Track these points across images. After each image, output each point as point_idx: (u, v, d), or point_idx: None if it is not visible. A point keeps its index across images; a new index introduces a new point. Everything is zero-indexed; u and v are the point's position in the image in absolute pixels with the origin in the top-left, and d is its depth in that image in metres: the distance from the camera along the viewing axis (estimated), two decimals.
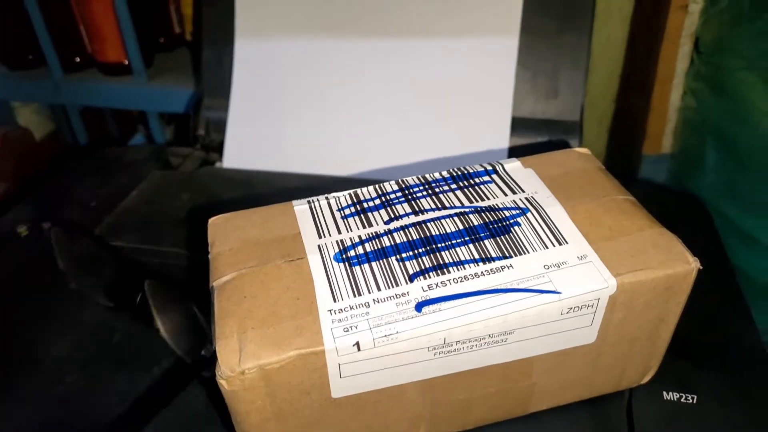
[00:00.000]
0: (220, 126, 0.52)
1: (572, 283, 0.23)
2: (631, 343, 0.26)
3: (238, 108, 0.51)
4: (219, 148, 0.52)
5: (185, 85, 0.64)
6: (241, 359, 0.21)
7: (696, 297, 0.33)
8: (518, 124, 0.47)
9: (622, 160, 0.63)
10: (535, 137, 0.48)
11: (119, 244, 0.40)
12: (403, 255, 0.25)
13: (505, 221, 0.26)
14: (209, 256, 0.26)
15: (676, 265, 0.24)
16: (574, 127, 0.48)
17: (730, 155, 0.45)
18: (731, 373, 0.30)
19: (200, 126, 0.54)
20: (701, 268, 0.24)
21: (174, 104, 0.65)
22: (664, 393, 0.29)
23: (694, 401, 0.29)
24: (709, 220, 0.41)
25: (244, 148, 0.51)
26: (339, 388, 0.23)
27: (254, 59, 0.51)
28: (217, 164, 0.51)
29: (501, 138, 0.47)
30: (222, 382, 0.22)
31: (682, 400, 0.29)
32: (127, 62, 0.66)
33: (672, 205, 0.43)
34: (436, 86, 0.48)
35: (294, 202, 0.28)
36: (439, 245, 0.25)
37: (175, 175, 0.49)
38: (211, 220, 0.28)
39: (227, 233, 0.27)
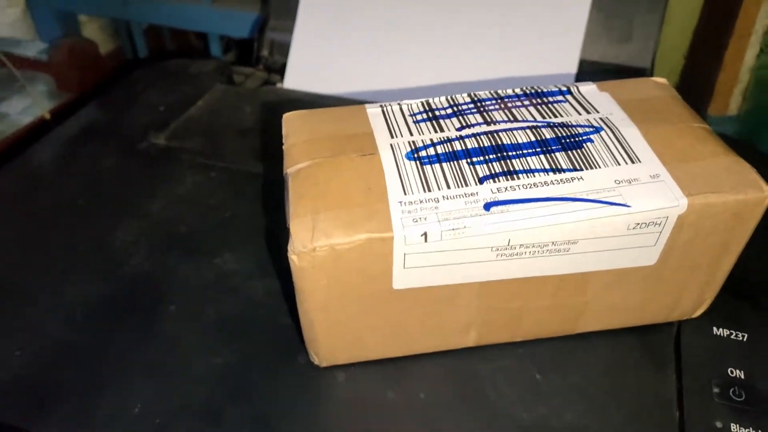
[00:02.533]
0: (284, 48, 0.52)
1: (643, 198, 0.23)
2: (691, 269, 0.26)
3: (302, 30, 0.52)
4: (281, 70, 0.52)
5: (251, 9, 0.64)
6: (314, 237, 0.22)
7: (755, 239, 0.33)
8: (586, 67, 0.46)
9: None
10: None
11: (186, 147, 0.42)
12: (474, 159, 0.25)
13: (578, 137, 0.26)
14: (283, 147, 0.27)
15: (748, 191, 0.24)
16: (644, 74, 0.47)
17: None
18: None
19: (264, 47, 0.54)
20: None
21: (237, 28, 0.65)
22: (714, 328, 0.29)
23: (744, 339, 0.29)
24: None
25: (306, 71, 0.51)
26: (401, 279, 0.24)
27: None
28: (278, 85, 0.52)
29: (566, 78, 0.46)
30: (293, 258, 0.23)
31: (732, 336, 0.29)
32: None
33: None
34: (506, 18, 0.48)
35: (367, 105, 0.29)
36: (510, 153, 0.25)
37: (238, 90, 0.50)
38: (285, 115, 0.29)
39: (301, 127, 0.28)
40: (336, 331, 0.26)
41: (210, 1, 0.66)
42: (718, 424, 0.26)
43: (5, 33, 0.75)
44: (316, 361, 0.28)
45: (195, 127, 0.44)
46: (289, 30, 0.52)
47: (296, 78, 0.51)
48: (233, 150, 0.41)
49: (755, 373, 0.27)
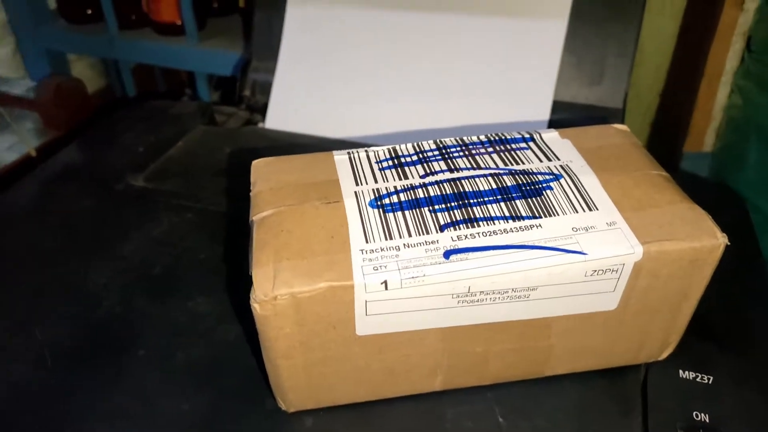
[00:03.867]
0: (266, 88, 0.53)
1: (599, 245, 0.24)
2: (652, 314, 0.27)
3: (284, 71, 0.53)
4: (263, 110, 0.53)
5: (235, 50, 0.66)
6: (275, 285, 0.23)
7: (723, 283, 0.33)
8: (559, 108, 0.48)
9: (663, 155, 0.62)
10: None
11: (163, 189, 0.42)
12: (436, 207, 0.25)
13: (538, 184, 0.26)
14: (251, 194, 0.28)
15: (703, 238, 0.24)
16: (617, 114, 0.48)
17: None
18: (750, 358, 0.30)
19: (246, 87, 0.55)
20: (729, 244, 0.24)
21: (222, 67, 0.67)
22: (681, 371, 0.29)
23: (710, 381, 0.29)
24: (744, 213, 0.40)
25: (288, 111, 0.52)
26: (363, 326, 0.24)
27: (304, 25, 0.53)
28: (260, 124, 0.53)
29: (540, 121, 0.47)
30: (255, 306, 0.23)
31: (698, 379, 0.29)
32: (180, 23, 0.68)
33: (709, 195, 0.42)
34: (481, 62, 0.49)
35: (334, 152, 0.29)
36: (471, 201, 0.26)
37: (219, 130, 0.51)
38: (254, 162, 0.29)
39: (269, 175, 0.28)
40: (301, 377, 0.26)
41: (196, 40, 0.67)
42: None
43: None
44: (284, 407, 0.28)
45: (173, 168, 0.44)
46: (271, 70, 0.53)
47: (277, 118, 0.52)
48: (210, 191, 0.42)
49: (720, 417, 0.28)
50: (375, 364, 0.26)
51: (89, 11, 0.72)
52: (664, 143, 0.62)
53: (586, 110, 0.48)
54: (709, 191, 0.44)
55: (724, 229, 0.25)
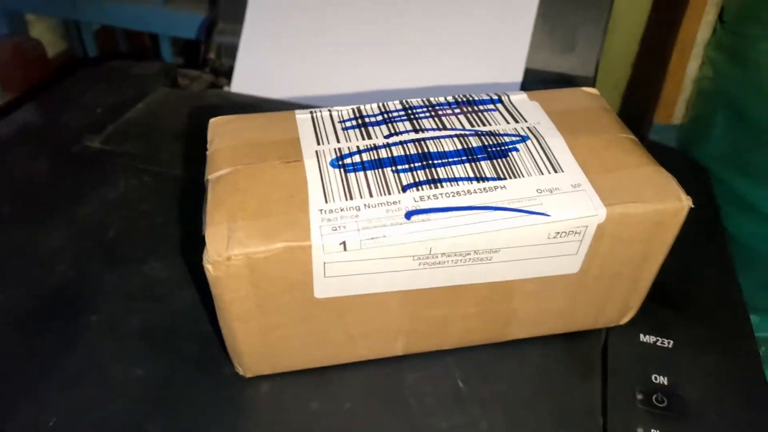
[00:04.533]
0: (231, 51, 0.51)
1: (563, 207, 0.23)
2: (613, 278, 0.26)
3: (251, 34, 0.51)
4: (228, 73, 0.51)
5: (200, 12, 0.63)
6: (229, 246, 0.22)
7: (684, 251, 0.34)
8: (530, 75, 0.47)
9: (633, 126, 0.62)
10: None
11: (121, 151, 0.40)
12: (399, 167, 0.25)
13: (504, 146, 0.26)
14: (207, 152, 0.26)
15: (668, 200, 0.24)
16: (588, 82, 0.47)
17: (740, 125, 0.45)
18: (709, 324, 0.31)
19: (211, 49, 0.53)
20: (693, 206, 0.24)
21: (188, 29, 0.64)
22: (641, 335, 0.30)
23: (670, 345, 0.29)
24: (707, 183, 0.41)
25: (254, 74, 0.50)
26: (322, 288, 0.24)
27: None
28: (225, 88, 0.51)
29: (511, 87, 0.46)
30: (208, 267, 0.22)
31: (658, 343, 0.29)
32: None
33: (673, 165, 0.43)
34: (454, 27, 0.48)
35: (296, 111, 0.28)
36: (435, 161, 0.25)
37: (182, 93, 0.49)
38: (212, 120, 0.28)
39: (227, 133, 0.27)
40: (258, 341, 0.25)
41: (161, 2, 0.65)
42: (639, 430, 0.26)
43: None
44: (241, 372, 0.27)
45: (132, 131, 0.43)
46: (237, 33, 0.51)
47: (244, 81, 0.51)
48: (170, 154, 0.40)
49: (678, 380, 0.28)
50: (334, 328, 0.25)
51: None
52: (635, 114, 0.62)
53: (558, 78, 0.47)
54: (673, 161, 0.44)
55: (693, 205, 0.25)
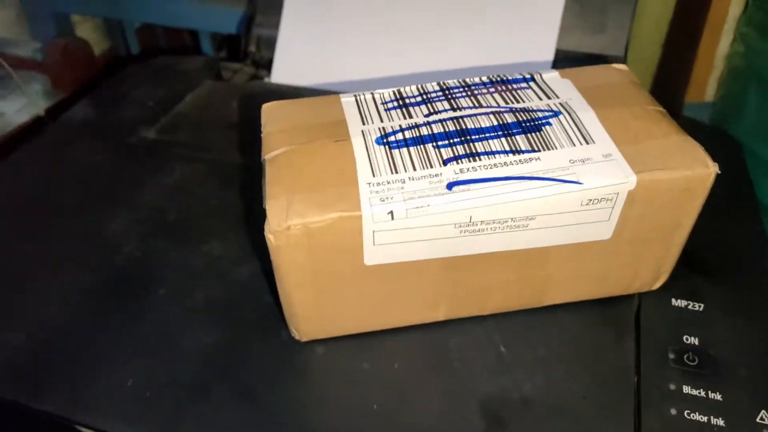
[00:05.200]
0: (271, 43, 0.54)
1: (594, 175, 0.25)
2: (645, 243, 0.28)
3: (289, 25, 0.53)
4: (268, 65, 0.54)
5: (238, 7, 0.66)
6: (288, 216, 0.24)
7: (716, 220, 0.35)
8: (561, 57, 0.48)
9: (665, 105, 0.63)
10: None
11: (174, 141, 0.43)
12: (439, 143, 0.27)
13: (538, 121, 0.28)
14: (261, 135, 0.29)
15: (695, 167, 0.25)
16: (618, 62, 0.48)
17: None
18: (740, 288, 0.32)
19: (251, 42, 0.56)
20: (720, 173, 0.26)
21: (226, 24, 0.67)
22: (673, 300, 0.31)
23: (701, 309, 0.31)
24: (741, 157, 0.41)
25: (293, 65, 0.53)
26: (371, 255, 0.26)
27: None
28: (266, 79, 0.53)
29: (543, 66, 0.48)
30: (270, 237, 0.24)
31: (689, 307, 0.31)
32: None
33: (706, 139, 0.44)
34: (486, 11, 0.49)
35: (341, 95, 0.30)
36: (473, 137, 0.27)
37: (226, 85, 0.51)
38: (264, 106, 0.30)
39: (279, 117, 0.29)
40: (313, 306, 0.27)
41: None
42: (672, 387, 0.27)
43: (0, 34, 0.76)
44: (297, 337, 0.29)
45: (183, 122, 0.45)
46: (275, 25, 0.54)
47: (283, 72, 0.53)
48: (220, 142, 0.43)
49: (708, 340, 0.29)
50: (382, 293, 0.28)
51: None
52: (666, 94, 0.63)
53: (588, 59, 0.48)
54: (707, 135, 0.45)
55: (719, 171, 0.26)
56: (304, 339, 0.29)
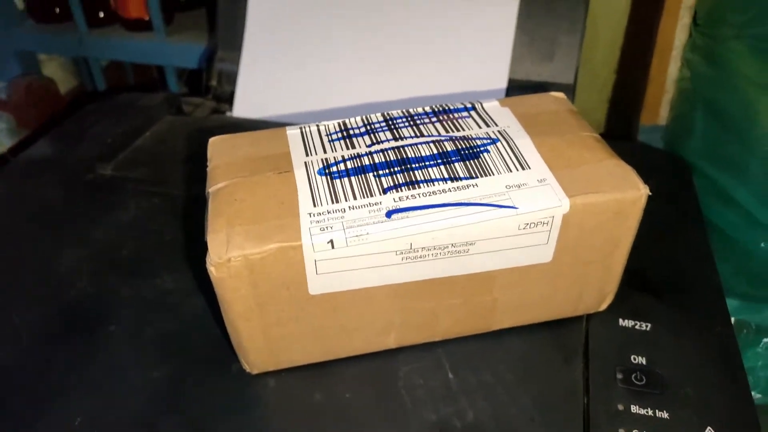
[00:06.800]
0: (232, 77, 0.55)
1: (529, 200, 0.26)
2: (586, 265, 0.29)
3: (249, 60, 0.54)
4: (229, 99, 0.55)
5: (202, 42, 0.67)
6: (228, 249, 0.24)
7: (663, 240, 0.36)
8: (513, 85, 0.49)
9: (620, 129, 0.65)
10: None
11: (131, 177, 0.43)
12: (380, 172, 0.27)
13: (476, 148, 0.28)
14: (207, 169, 0.29)
15: (627, 190, 0.26)
16: (568, 89, 0.50)
17: (716, 121, 0.47)
18: (687, 307, 0.32)
19: (213, 77, 0.57)
20: (650, 194, 0.26)
21: (190, 59, 0.68)
22: (620, 320, 0.31)
23: (648, 328, 0.31)
24: (688, 176, 0.43)
25: (254, 98, 0.53)
26: (315, 285, 0.26)
27: (266, 14, 0.54)
28: (228, 113, 0.54)
29: (497, 95, 0.49)
30: (211, 269, 0.25)
31: (636, 327, 0.31)
32: (148, 18, 0.69)
33: (656, 162, 0.45)
34: (439, 46, 0.51)
35: (287, 127, 0.31)
36: (413, 165, 0.27)
37: (186, 120, 0.52)
38: (211, 140, 0.31)
39: (224, 150, 0.30)
40: (261, 338, 0.27)
41: (164, 35, 0.68)
42: (620, 407, 0.28)
43: None
44: (248, 369, 0.29)
45: (141, 157, 0.46)
46: (236, 61, 0.55)
47: (244, 106, 0.54)
48: (177, 177, 0.43)
49: (656, 359, 0.30)
50: (330, 323, 0.28)
51: (57, 10, 0.73)
52: (622, 117, 0.65)
53: (539, 86, 0.49)
54: (657, 158, 0.47)
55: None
56: (255, 371, 0.29)
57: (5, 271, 0.36)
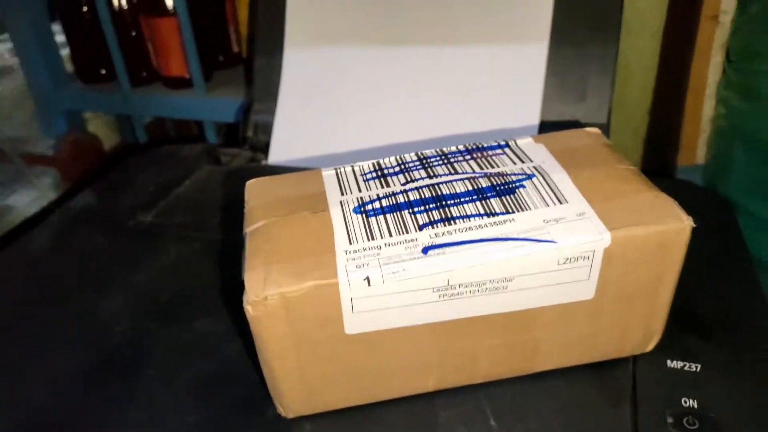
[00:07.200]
0: (267, 128, 0.56)
1: (569, 234, 0.25)
2: (630, 301, 0.28)
3: (284, 111, 0.56)
4: (265, 149, 0.56)
5: (239, 97, 0.69)
6: (265, 287, 0.24)
7: (710, 277, 0.34)
8: (546, 127, 0.49)
9: (657, 169, 0.64)
10: None
11: (171, 223, 0.44)
12: (416, 209, 0.27)
13: (512, 184, 0.28)
14: (245, 210, 0.30)
15: (669, 222, 0.26)
16: (601, 129, 0.49)
17: (757, 154, 0.46)
18: (737, 347, 0.31)
19: (249, 128, 0.58)
20: (695, 226, 0.26)
21: (228, 114, 0.70)
22: (668, 361, 0.30)
23: (698, 370, 0.30)
24: (732, 213, 0.42)
25: (288, 147, 0.55)
26: (351, 324, 0.26)
27: (301, 67, 0.56)
28: (263, 162, 0.55)
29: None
30: (248, 307, 0.25)
31: (686, 368, 0.30)
32: (188, 76, 0.72)
33: (698, 200, 0.44)
34: (471, 91, 0.51)
35: (323, 168, 0.31)
36: (448, 202, 0.27)
37: (223, 169, 0.53)
38: (248, 182, 0.31)
39: (261, 192, 0.30)
40: (297, 379, 0.27)
41: (203, 91, 0.71)
42: None
43: (16, 132, 0.80)
44: (283, 413, 0.29)
45: (181, 205, 0.47)
46: (272, 112, 0.56)
47: (279, 154, 0.55)
48: (215, 223, 0.44)
49: (708, 402, 0.28)
50: (366, 363, 0.27)
51: (103, 71, 0.76)
52: (659, 159, 0.64)
53: (572, 126, 0.49)
54: (698, 195, 0.46)
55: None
56: (291, 415, 0.29)
57: (48, 316, 0.37)
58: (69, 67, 0.79)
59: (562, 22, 0.50)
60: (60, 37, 0.77)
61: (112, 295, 0.38)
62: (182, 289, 0.38)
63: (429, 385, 0.29)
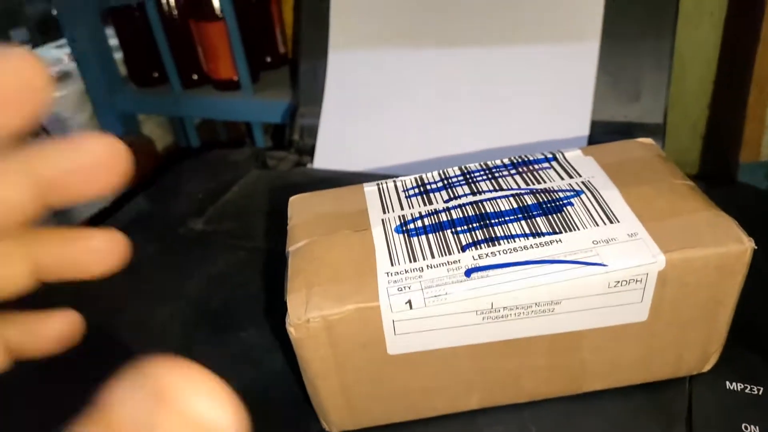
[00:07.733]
0: (313, 131, 0.56)
1: (620, 257, 0.24)
2: (686, 324, 0.26)
3: (329, 115, 0.56)
4: (311, 152, 0.56)
5: (286, 99, 0.70)
6: (307, 309, 0.24)
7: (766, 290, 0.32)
8: (598, 127, 0.48)
9: (717, 168, 0.61)
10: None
11: (220, 230, 0.45)
12: (458, 228, 0.27)
13: (559, 201, 0.27)
14: (288, 227, 0.30)
15: (728, 243, 0.24)
16: (658, 129, 0.47)
17: None
18: None
19: (295, 132, 0.59)
20: (756, 248, 0.24)
21: (275, 115, 0.71)
22: (727, 383, 0.29)
23: (760, 392, 0.28)
24: None
25: (333, 151, 0.55)
26: (394, 345, 0.25)
27: (344, 70, 0.56)
28: (309, 165, 0.56)
29: (579, 141, 0.47)
30: (291, 330, 0.25)
31: (747, 391, 0.28)
32: (236, 79, 0.73)
33: (761, 207, 0.42)
34: (518, 90, 0.50)
35: (365, 184, 0.31)
36: (492, 221, 0.27)
37: (271, 174, 0.54)
38: (291, 199, 0.32)
39: (304, 209, 0.30)
40: (340, 397, 0.27)
41: (251, 93, 0.72)
42: None
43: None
44: (327, 429, 0.29)
45: (229, 211, 0.48)
46: (317, 115, 0.56)
47: (324, 158, 0.55)
48: (262, 230, 0.44)
49: None
50: (409, 383, 0.27)
51: (156, 74, 0.78)
52: (718, 156, 0.61)
53: (626, 128, 0.47)
54: (761, 203, 0.43)
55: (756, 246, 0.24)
56: (335, 431, 0.29)
57: (100, 324, 0.38)
58: (123, 71, 0.81)
59: (615, 16, 0.48)
60: (113, 41, 0.79)
61: (164, 301, 0.39)
62: (230, 298, 0.39)
63: (472, 403, 0.29)
